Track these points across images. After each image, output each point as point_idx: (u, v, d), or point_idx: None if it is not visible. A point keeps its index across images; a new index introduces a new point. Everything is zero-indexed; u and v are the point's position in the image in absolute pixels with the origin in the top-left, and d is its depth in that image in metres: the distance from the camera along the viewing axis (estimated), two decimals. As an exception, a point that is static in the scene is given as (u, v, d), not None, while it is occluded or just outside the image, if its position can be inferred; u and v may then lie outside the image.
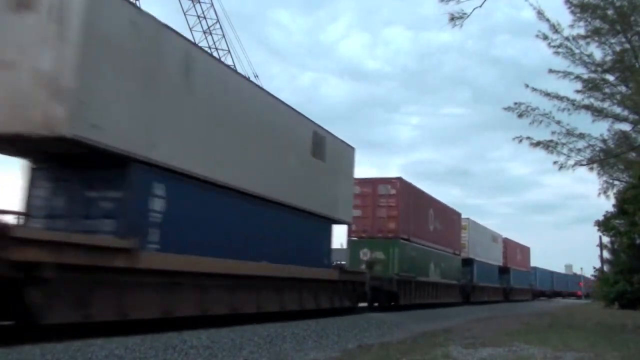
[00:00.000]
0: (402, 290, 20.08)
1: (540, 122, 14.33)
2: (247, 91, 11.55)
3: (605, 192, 19.39)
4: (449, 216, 28.04)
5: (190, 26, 29.81)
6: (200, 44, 29.87)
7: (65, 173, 8.31)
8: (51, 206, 8.29)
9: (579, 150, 14.97)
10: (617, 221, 25.62)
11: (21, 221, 8.01)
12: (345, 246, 17.96)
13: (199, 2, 29.70)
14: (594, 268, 39.53)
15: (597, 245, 37.40)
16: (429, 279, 23.72)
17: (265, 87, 13.79)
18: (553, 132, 14.59)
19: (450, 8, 11.09)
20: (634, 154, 17.93)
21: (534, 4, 13.87)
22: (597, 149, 15.89)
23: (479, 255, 32.71)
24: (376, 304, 19.50)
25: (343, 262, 16.76)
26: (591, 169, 15.79)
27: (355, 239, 19.68)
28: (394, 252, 19.91)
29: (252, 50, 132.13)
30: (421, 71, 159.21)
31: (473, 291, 31.64)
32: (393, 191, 20.68)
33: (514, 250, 43.84)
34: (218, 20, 30.07)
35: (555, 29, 14.06)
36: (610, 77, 14.89)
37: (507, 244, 41.36)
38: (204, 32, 29.98)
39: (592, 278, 79.91)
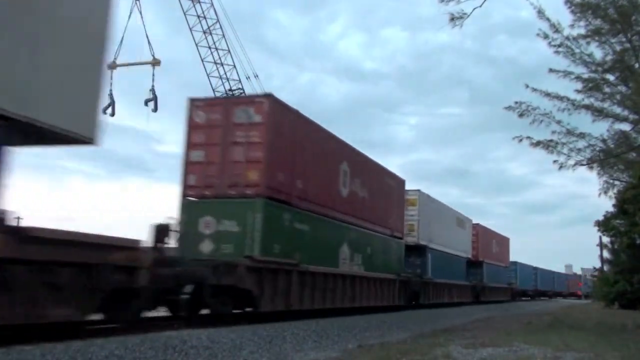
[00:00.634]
0: (266, 287, 12.03)
1: (541, 121, 14.36)
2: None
3: (605, 192, 19.39)
4: (382, 181, 19.65)
5: (190, 26, 29.86)
6: (200, 44, 30.00)
7: None
8: None
9: (579, 150, 15.00)
10: (617, 221, 25.70)
11: None
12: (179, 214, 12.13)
13: (199, 2, 29.73)
14: (594, 268, 39.60)
15: (597, 245, 37.48)
16: (338, 270, 15.44)
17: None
18: (553, 132, 14.62)
19: (451, 8, 11.12)
20: (634, 154, 17.94)
21: (535, 3, 13.90)
22: (597, 149, 15.90)
23: (436, 241, 25.20)
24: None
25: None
26: (591, 168, 15.82)
27: (193, 199, 12.59)
28: (254, 221, 11.84)
29: (249, 50, 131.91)
30: (419, 71, 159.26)
31: (425, 290, 23.70)
32: (258, 118, 12.41)
33: (488, 241, 36.41)
34: (218, 20, 30.12)
35: (555, 28, 14.07)
36: (611, 77, 14.90)
37: (480, 231, 34.21)
38: (204, 32, 30.02)
39: (579, 276, 79.31)
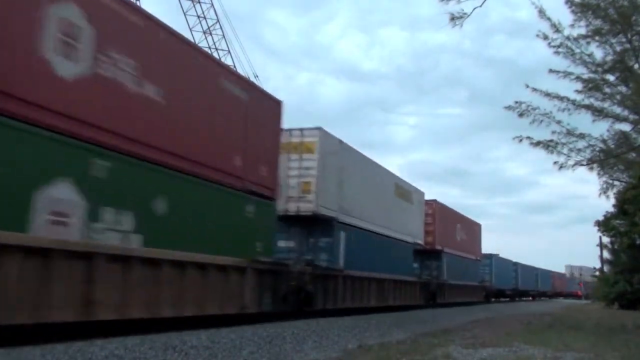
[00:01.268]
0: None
1: (541, 121, 14.37)
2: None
3: (605, 193, 19.38)
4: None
5: (190, 26, 29.91)
6: (200, 44, 29.99)
7: None
8: None
9: (579, 150, 14.99)
10: (617, 221, 25.67)
11: None
12: None
13: (199, 2, 29.78)
14: (594, 268, 39.61)
15: (597, 246, 37.49)
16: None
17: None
18: (553, 132, 14.63)
19: (451, 8, 11.11)
20: (634, 154, 17.93)
21: (536, 2, 13.89)
22: (597, 149, 15.90)
23: (355, 214, 16.86)
24: None
25: None
26: (591, 169, 15.82)
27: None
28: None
29: (248, 50, 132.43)
30: (417, 72, 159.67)
31: (333, 287, 15.26)
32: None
33: (451, 224, 28.01)
34: (218, 21, 30.19)
35: (556, 28, 14.07)
36: (611, 77, 14.90)
37: (438, 211, 25.70)
38: (204, 32, 30.09)
39: (565, 274, 78.16)
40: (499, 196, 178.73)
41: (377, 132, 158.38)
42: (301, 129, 15.04)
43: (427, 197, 25.08)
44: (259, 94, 12.40)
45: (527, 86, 14.82)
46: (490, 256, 38.64)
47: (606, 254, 36.86)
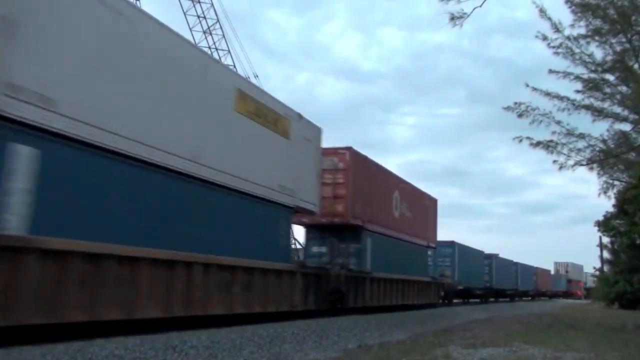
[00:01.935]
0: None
1: (540, 122, 14.40)
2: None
3: (605, 192, 19.40)
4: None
5: (191, 26, 29.86)
6: (200, 44, 29.99)
7: None
8: None
9: (579, 150, 15.02)
10: (617, 221, 25.61)
11: None
12: None
13: (199, 2, 29.74)
14: (594, 268, 39.57)
15: (597, 246, 37.43)
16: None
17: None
18: (553, 132, 14.65)
19: (451, 8, 11.10)
20: (634, 154, 17.93)
21: (537, 2, 13.90)
22: (597, 149, 15.91)
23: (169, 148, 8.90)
24: None
25: None
26: (591, 169, 15.84)
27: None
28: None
29: (247, 49, 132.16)
30: (416, 71, 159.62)
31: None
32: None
33: (380, 191, 18.97)
34: (218, 20, 30.12)
35: (556, 27, 14.08)
36: (611, 77, 14.91)
37: (354, 164, 16.93)
38: (204, 32, 30.02)
39: (549, 271, 70.88)
40: (499, 196, 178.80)
41: (377, 132, 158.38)
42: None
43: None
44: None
45: (527, 86, 14.85)
46: (452, 245, 31.22)
47: (606, 254, 36.82)
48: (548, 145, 14.48)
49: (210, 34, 30.09)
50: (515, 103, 14.38)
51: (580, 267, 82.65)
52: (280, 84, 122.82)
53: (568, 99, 14.72)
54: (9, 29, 6.54)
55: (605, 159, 16.41)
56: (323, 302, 14.46)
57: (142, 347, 6.79)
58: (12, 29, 6.57)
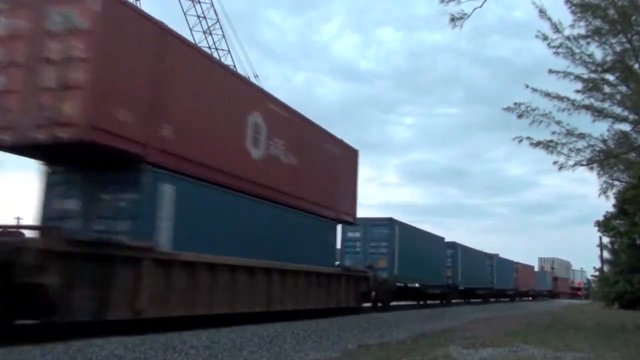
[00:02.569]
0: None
1: (540, 122, 14.35)
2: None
3: (605, 193, 19.35)
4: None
5: (191, 26, 29.85)
6: (200, 44, 29.99)
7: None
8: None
9: (579, 150, 14.98)
10: (617, 221, 25.62)
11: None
12: None
13: (199, 2, 29.73)
14: (594, 268, 39.50)
15: (597, 246, 37.39)
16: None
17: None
18: (553, 133, 14.60)
19: (451, 8, 11.08)
20: (634, 154, 17.91)
21: (537, 2, 13.88)
22: (597, 149, 15.88)
23: None
24: None
25: None
26: (591, 169, 15.80)
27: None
28: None
29: (245, 49, 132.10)
30: (414, 71, 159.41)
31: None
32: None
33: (222, 100, 10.65)
34: (218, 21, 30.12)
35: (556, 28, 14.05)
36: (611, 77, 14.89)
37: (127, 25, 8.23)
38: (204, 33, 30.03)
39: (533, 267, 62.21)
40: (498, 196, 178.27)
41: (375, 132, 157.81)
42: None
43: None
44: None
45: (527, 86, 14.82)
46: (391, 222, 22.36)
47: (606, 254, 36.80)
48: (548, 146, 14.46)
49: (211, 34, 30.10)
50: (515, 103, 14.36)
51: (568, 264, 76.67)
52: (279, 83, 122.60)
53: (568, 99, 14.69)
54: None
55: (605, 159, 16.39)
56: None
57: (142, 347, 6.79)
58: None
